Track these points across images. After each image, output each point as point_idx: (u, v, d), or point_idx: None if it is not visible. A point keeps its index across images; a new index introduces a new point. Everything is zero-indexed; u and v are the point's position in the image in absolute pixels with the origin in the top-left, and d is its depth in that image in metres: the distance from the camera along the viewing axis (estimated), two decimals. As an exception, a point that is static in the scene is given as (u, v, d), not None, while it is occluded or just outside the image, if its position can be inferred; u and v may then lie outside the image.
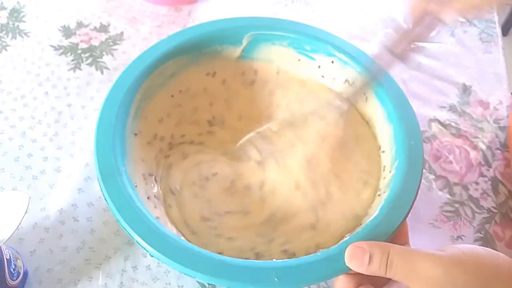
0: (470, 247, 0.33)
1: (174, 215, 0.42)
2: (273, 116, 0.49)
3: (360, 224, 0.41)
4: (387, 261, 0.32)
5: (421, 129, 0.51)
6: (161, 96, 0.46)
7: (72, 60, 0.57)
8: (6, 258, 0.38)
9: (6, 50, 0.58)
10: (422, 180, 0.40)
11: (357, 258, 0.33)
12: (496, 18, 0.66)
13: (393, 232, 0.36)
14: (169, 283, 0.42)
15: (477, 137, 0.54)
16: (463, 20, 0.65)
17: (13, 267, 0.39)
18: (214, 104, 0.49)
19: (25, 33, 0.59)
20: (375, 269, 0.32)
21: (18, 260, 0.40)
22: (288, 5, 0.65)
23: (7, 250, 0.39)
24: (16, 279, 0.39)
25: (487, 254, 0.32)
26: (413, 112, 0.44)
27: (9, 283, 0.38)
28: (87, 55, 0.57)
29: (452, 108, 0.56)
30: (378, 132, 0.46)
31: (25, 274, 0.41)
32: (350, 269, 0.34)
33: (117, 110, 0.41)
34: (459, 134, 0.54)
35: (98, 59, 0.57)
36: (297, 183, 0.44)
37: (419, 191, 0.39)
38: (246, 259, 0.38)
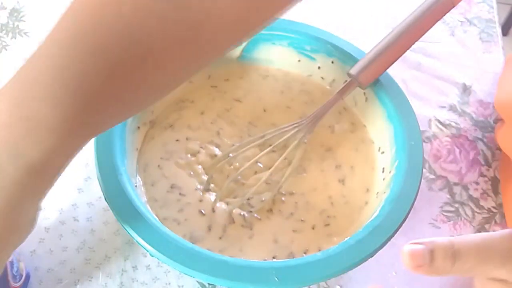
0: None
1: None
2: None
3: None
4: (453, 252, 0.29)
5: (421, 129, 0.51)
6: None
7: (72, 60, 0.57)
8: (9, 261, 0.38)
9: (6, 50, 0.58)
10: (422, 180, 0.40)
11: (417, 256, 0.29)
12: (496, 18, 0.66)
13: (393, 233, 0.36)
14: (169, 283, 0.42)
15: (477, 137, 0.54)
16: (463, 20, 0.65)
17: (16, 269, 0.39)
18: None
19: (25, 33, 0.59)
20: (439, 265, 0.29)
21: (20, 263, 0.40)
22: (288, 5, 0.65)
23: (8, 252, 0.39)
24: (19, 281, 0.39)
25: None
26: (413, 112, 0.44)
27: (12, 285, 0.38)
28: (87, 55, 0.57)
29: (452, 108, 0.56)
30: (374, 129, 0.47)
31: (27, 276, 0.41)
32: (350, 270, 0.33)
33: (117, 110, 0.41)
34: (459, 134, 0.54)
35: (98, 59, 0.57)
36: None
37: (419, 191, 0.39)
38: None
